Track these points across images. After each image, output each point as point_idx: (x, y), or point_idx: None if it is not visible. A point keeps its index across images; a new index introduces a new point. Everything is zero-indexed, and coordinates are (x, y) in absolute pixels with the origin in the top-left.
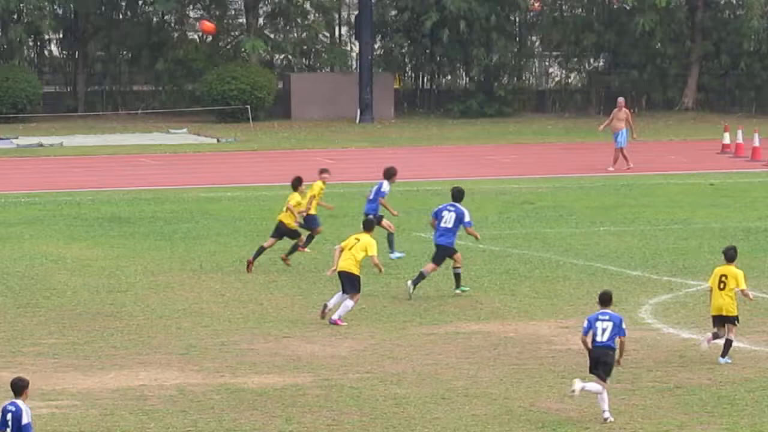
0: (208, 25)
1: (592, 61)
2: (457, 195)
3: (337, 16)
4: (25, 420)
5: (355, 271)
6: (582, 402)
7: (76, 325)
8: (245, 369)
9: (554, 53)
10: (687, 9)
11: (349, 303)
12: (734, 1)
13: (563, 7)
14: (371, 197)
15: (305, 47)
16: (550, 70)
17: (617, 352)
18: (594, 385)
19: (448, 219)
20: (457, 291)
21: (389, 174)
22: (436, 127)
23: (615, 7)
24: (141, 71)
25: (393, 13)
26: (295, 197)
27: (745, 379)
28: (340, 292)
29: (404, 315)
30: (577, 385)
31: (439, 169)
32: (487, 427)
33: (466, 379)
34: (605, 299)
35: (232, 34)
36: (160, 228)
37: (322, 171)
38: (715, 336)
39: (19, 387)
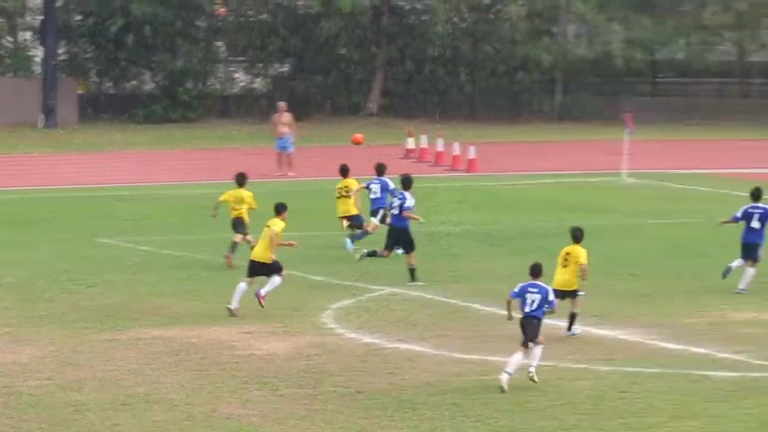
0: (358, 138)
1: (277, 66)
2: (406, 183)
3: (20, 20)
4: None
5: (268, 259)
6: (263, 408)
7: None
8: None
9: (239, 58)
10: (372, 14)
11: (277, 280)
12: (419, 7)
13: (249, 12)
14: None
15: None
16: (235, 75)
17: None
18: (517, 358)
19: (396, 206)
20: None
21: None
22: (120, 132)
23: (300, 12)
24: None
25: (78, 17)
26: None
27: (426, 384)
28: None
29: (85, 321)
30: (504, 378)
31: (123, 174)
32: None
33: (147, 385)
34: (536, 271)
35: None
36: None
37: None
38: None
39: None
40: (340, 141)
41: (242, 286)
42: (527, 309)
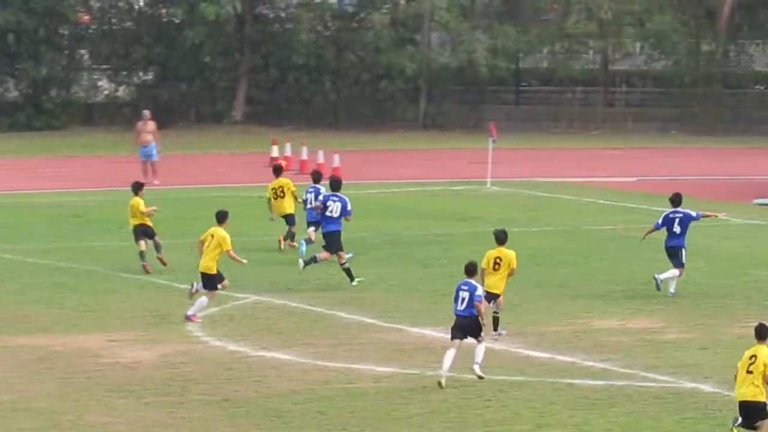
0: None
1: (141, 74)
2: (336, 185)
3: None
4: None
5: (212, 270)
6: (129, 416)
7: None
8: None
9: (103, 66)
10: (236, 22)
11: (204, 300)
12: (283, 15)
13: (112, 20)
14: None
15: None
16: (99, 83)
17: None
18: (450, 355)
19: (334, 209)
20: (354, 283)
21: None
22: None
23: (164, 20)
24: None
25: None
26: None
27: (291, 391)
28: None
29: None
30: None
31: None
32: None
33: (12, 393)
34: (470, 269)
35: None
36: None
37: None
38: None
39: None
40: (205, 149)
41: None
42: (459, 307)
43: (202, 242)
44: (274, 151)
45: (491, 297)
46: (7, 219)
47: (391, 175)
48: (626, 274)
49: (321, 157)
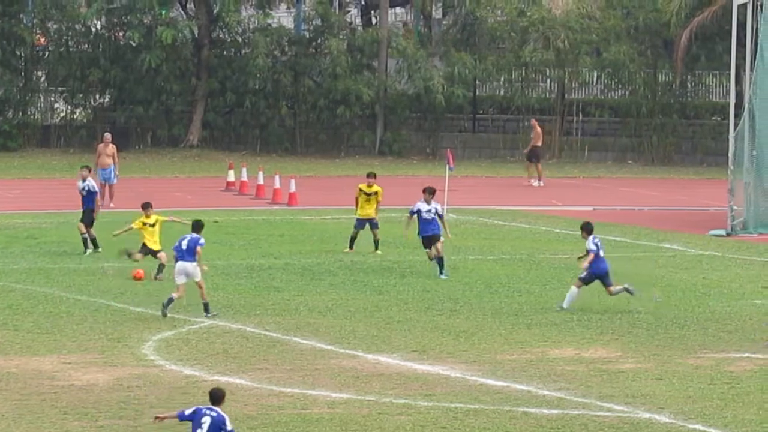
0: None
1: (97, 96)
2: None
3: None
4: (229, 426)
5: None
6: None
7: None
8: None
9: (60, 88)
10: (193, 46)
11: None
12: (240, 40)
13: (69, 42)
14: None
15: None
16: (56, 105)
17: None
18: None
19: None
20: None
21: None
22: None
23: (121, 43)
24: None
25: None
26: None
27: (246, 416)
28: None
29: None
30: None
31: None
32: None
33: None
34: None
35: None
36: None
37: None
38: None
39: (219, 396)
40: (161, 173)
41: None
42: None
43: None
44: (231, 176)
45: None
46: None
47: (348, 202)
48: (582, 303)
49: (277, 182)
